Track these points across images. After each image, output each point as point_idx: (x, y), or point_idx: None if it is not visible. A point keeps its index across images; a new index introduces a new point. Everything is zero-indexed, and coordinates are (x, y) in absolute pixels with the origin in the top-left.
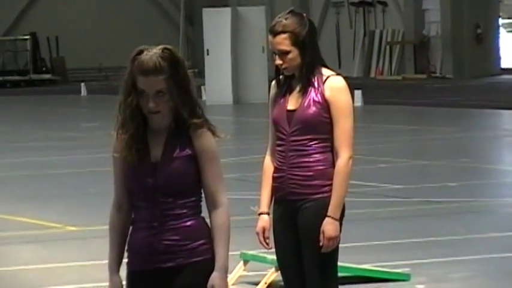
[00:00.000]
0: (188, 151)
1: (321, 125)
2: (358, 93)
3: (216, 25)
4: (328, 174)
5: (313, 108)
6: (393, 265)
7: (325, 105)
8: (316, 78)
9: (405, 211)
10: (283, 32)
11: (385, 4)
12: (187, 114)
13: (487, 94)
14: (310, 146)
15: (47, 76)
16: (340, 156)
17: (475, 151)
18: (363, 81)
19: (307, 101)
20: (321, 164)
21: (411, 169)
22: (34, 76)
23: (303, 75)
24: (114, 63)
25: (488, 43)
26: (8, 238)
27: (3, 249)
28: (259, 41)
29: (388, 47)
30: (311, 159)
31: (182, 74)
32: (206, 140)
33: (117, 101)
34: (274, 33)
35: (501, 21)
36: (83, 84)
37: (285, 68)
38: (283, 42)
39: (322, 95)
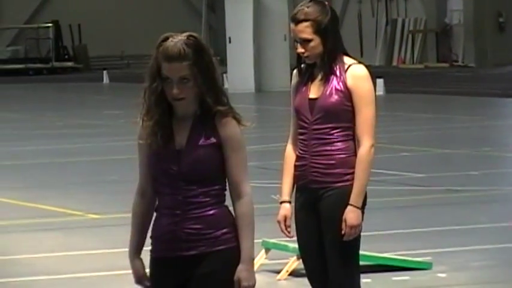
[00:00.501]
0: (213, 139)
1: (343, 113)
2: (380, 81)
3: (238, 13)
4: (350, 163)
5: (335, 97)
6: (414, 254)
7: (347, 94)
8: (338, 67)
9: (426, 199)
10: (305, 20)
11: None
12: (212, 102)
13: (509, 83)
14: (332, 134)
15: (69, 64)
16: (362, 145)
17: (497, 140)
18: (385, 69)
19: (329, 89)
20: (343, 152)
21: (433, 158)
22: (56, 64)
23: (325, 64)
24: (136, 51)
25: (510, 32)
26: (28, 225)
27: (23, 236)
28: (281, 29)
29: (410, 35)
30: (333, 148)
31: (207, 61)
32: (231, 129)
33: (142, 87)
34: (296, 21)
35: None
36: (105, 72)
37: (306, 56)
38: (305, 30)
39: (344, 84)
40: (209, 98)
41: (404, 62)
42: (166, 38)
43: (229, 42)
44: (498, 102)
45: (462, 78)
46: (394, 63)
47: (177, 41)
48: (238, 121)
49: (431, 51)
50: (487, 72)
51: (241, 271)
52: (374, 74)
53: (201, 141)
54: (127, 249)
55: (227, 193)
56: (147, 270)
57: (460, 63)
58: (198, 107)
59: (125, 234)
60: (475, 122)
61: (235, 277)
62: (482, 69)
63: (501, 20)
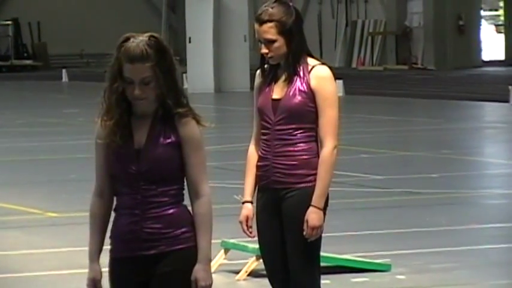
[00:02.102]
0: (172, 138)
1: (306, 114)
2: (339, 83)
3: (198, 13)
4: (312, 164)
5: (298, 98)
6: (374, 255)
7: (310, 95)
8: (301, 68)
9: (386, 202)
10: (270, 20)
11: None
12: (172, 103)
13: (469, 86)
14: (295, 135)
15: (29, 62)
16: (325, 146)
17: (456, 142)
18: (345, 71)
19: (292, 90)
20: (306, 153)
21: (392, 160)
22: (15, 62)
23: (289, 64)
24: (95, 49)
25: (470, 35)
26: None
27: None
28: (242, 29)
29: (370, 37)
30: (296, 149)
31: (168, 62)
32: (191, 129)
33: (103, 87)
34: (261, 21)
35: (483, 13)
36: (64, 70)
37: (270, 57)
38: (269, 31)
39: (308, 85)
40: (169, 99)
41: (363, 64)
42: (128, 39)
43: (189, 42)
44: (457, 105)
45: (422, 80)
46: (354, 65)
47: (138, 41)
48: (198, 121)
49: (391, 53)
50: (447, 75)
51: (198, 271)
52: (335, 76)
53: (161, 140)
54: (86, 248)
55: (186, 193)
56: (106, 270)
57: (419, 65)
58: (159, 106)
59: (84, 233)
60: (435, 124)
61: (192, 277)
62: (442, 71)
63: (461, 22)
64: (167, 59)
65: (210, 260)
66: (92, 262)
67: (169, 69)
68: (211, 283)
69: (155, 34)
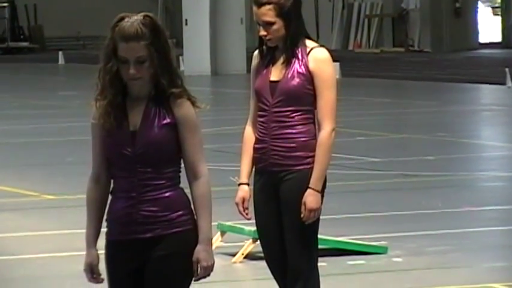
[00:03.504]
0: (168, 120)
1: (304, 96)
2: (336, 65)
3: None
4: (310, 146)
5: (296, 80)
6: (370, 238)
7: (308, 77)
8: (300, 50)
9: (382, 184)
10: (268, 3)
11: None
12: (167, 83)
13: (465, 68)
14: (293, 117)
15: (25, 44)
16: (323, 128)
17: (452, 125)
18: (341, 53)
19: (290, 72)
20: (304, 135)
21: (388, 142)
22: (12, 44)
23: (287, 47)
24: (92, 32)
25: (466, 17)
26: None
27: None
28: (238, 12)
29: (366, 20)
30: (294, 131)
31: (163, 42)
32: (186, 110)
33: (98, 68)
34: (259, 4)
35: None
36: (60, 52)
37: (269, 39)
38: (267, 13)
39: (306, 67)
40: (164, 79)
41: (360, 47)
42: (122, 18)
43: (186, 24)
44: (453, 88)
45: (418, 63)
46: (350, 48)
47: (133, 21)
48: (193, 103)
49: (388, 36)
50: (443, 58)
51: (199, 251)
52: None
53: (156, 122)
54: (83, 231)
55: (182, 175)
56: (102, 252)
57: (416, 48)
58: (153, 88)
59: (81, 216)
60: (431, 107)
61: (194, 258)
62: (438, 54)
63: (457, 5)
64: (162, 38)
65: (211, 241)
66: (89, 247)
67: (164, 48)
68: (213, 263)
69: (150, 14)
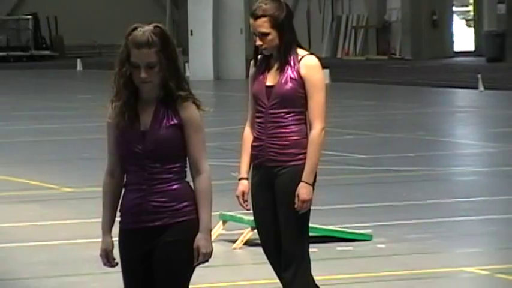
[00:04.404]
0: (175, 121)
1: (296, 99)
2: (326, 71)
3: (199, 8)
4: (302, 144)
5: (289, 84)
6: (357, 226)
7: (300, 82)
8: (292, 58)
9: (368, 178)
10: (264, 15)
11: None
12: (174, 87)
13: (442, 74)
14: (286, 118)
15: (47, 52)
16: (313, 128)
17: (431, 125)
18: (331, 61)
19: (284, 77)
20: (296, 134)
21: (374, 141)
22: (35, 52)
23: (281, 55)
24: (107, 41)
25: (442, 28)
26: (9, 197)
27: (4, 207)
28: (238, 23)
29: (353, 30)
30: (287, 130)
31: (171, 49)
32: (192, 112)
33: (113, 73)
34: (255, 16)
35: (454, 8)
36: (78, 60)
37: (264, 48)
38: (263, 25)
39: (298, 73)
40: (172, 83)
41: (348, 54)
42: (135, 28)
43: (191, 34)
44: (431, 92)
45: (399, 69)
46: (339, 55)
47: (145, 30)
48: (198, 106)
49: (372, 45)
50: (422, 65)
51: (200, 239)
52: (322, 64)
53: (164, 123)
54: (99, 220)
55: (188, 170)
56: (116, 239)
57: (397, 56)
58: (162, 91)
59: (96, 206)
60: (411, 109)
61: (195, 245)
62: (418, 61)
63: (435, 17)
64: (170, 46)
65: (210, 230)
66: (104, 235)
67: (172, 55)
68: (212, 250)
69: (159, 24)
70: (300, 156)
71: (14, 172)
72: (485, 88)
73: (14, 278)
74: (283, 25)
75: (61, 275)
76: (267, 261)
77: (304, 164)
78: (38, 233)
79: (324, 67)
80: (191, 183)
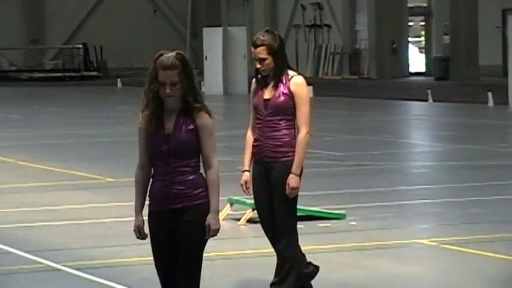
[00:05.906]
0: (192, 126)
1: (287, 109)
2: (310, 88)
3: (212, 39)
4: (292, 144)
5: (282, 98)
6: (333, 208)
7: (290, 96)
8: (284, 77)
9: (342, 171)
10: (262, 45)
11: (329, 26)
12: (192, 100)
13: (400, 90)
14: (280, 124)
15: (94, 73)
16: (301, 131)
17: (392, 130)
18: (314, 79)
19: (278, 92)
20: (287, 136)
21: (348, 141)
22: (85, 73)
23: (276, 75)
24: (140, 64)
25: (400, 54)
26: (65, 186)
27: (61, 193)
28: (242, 50)
29: (331, 56)
30: (280, 133)
31: (189, 71)
32: (205, 119)
33: (144, 89)
34: (256, 45)
35: (410, 39)
36: (119, 79)
37: (263, 70)
38: (261, 52)
39: (289, 89)
40: (190, 97)
41: (327, 74)
42: (162, 54)
43: (206, 59)
44: (392, 104)
45: (367, 86)
46: (320, 75)
47: (169, 55)
48: (210, 114)
49: (346, 67)
50: (385, 83)
51: (210, 219)
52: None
53: (184, 128)
54: (133, 203)
55: (201, 165)
56: (145, 219)
57: (366, 76)
58: (182, 103)
59: (132, 193)
60: (377, 117)
61: (206, 223)
62: (381, 80)
63: (394, 45)
64: (189, 68)
65: (218, 211)
66: (136, 214)
67: (190, 75)
68: (219, 227)
69: (180, 51)
70: (290, 154)
71: (67, 166)
72: (434, 101)
73: (71, 248)
74: (277, 52)
75: (107, 245)
76: (265, 235)
77: (293, 159)
78: (88, 213)
79: (308, 84)
80: (204, 175)
